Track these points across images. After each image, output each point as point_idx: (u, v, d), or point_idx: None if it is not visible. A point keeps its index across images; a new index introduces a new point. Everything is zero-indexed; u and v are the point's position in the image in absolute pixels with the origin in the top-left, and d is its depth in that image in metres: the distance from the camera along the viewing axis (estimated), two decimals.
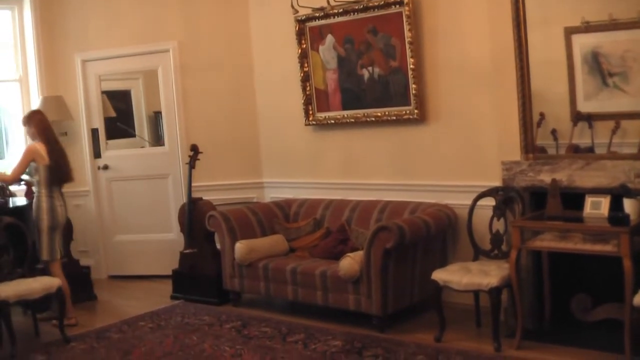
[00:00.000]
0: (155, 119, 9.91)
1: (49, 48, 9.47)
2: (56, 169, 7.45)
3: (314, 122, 8.40)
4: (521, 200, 6.33)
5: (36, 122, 7.54)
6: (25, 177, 7.71)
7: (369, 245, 6.56)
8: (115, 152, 9.65)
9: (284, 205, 8.47)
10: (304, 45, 8.29)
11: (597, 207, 5.80)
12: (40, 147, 7.42)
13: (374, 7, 7.57)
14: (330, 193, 8.33)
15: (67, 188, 8.76)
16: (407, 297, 6.88)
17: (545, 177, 6.15)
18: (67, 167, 7.66)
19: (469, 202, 6.75)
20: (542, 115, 6.35)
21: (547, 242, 5.87)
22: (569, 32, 6.18)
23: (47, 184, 7.42)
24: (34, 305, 7.19)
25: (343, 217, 7.78)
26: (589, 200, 5.86)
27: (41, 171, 7.37)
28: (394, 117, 7.63)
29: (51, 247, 7.46)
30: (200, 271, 8.21)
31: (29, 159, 7.43)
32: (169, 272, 8.57)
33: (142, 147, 10.08)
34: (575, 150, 6.19)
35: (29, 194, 8.03)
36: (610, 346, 5.64)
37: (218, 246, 8.16)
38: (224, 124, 9.14)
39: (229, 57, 9.12)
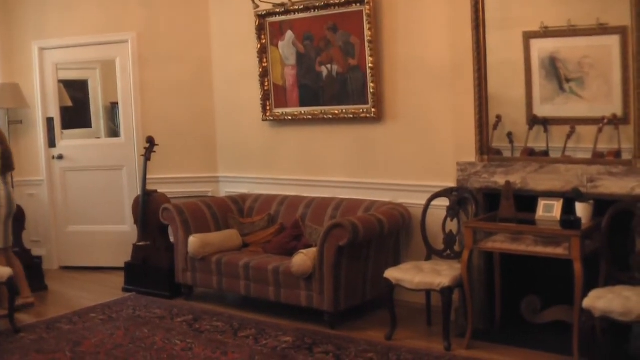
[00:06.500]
0: (112, 109, 9.84)
1: (6, 35, 9.36)
2: (6, 156, 7.46)
3: (271, 118, 8.38)
4: (475, 202, 6.37)
5: None
6: None
7: (323, 242, 6.57)
8: (71, 141, 9.55)
9: (238, 200, 8.45)
10: (264, 41, 8.27)
11: (549, 210, 5.85)
12: None
13: (334, 5, 7.56)
14: (285, 189, 8.31)
15: (20, 177, 8.68)
16: (359, 294, 6.89)
17: (499, 179, 6.20)
18: (11, 154, 7.70)
19: (423, 201, 6.78)
20: (498, 117, 6.41)
21: (499, 243, 5.92)
22: (528, 36, 6.23)
23: (0, 172, 7.39)
24: None
25: (297, 214, 7.77)
26: (541, 203, 5.92)
27: None
28: (351, 115, 7.64)
29: (6, 234, 7.44)
30: (153, 264, 8.17)
31: None
32: (122, 264, 8.52)
33: (98, 137, 10.01)
34: (530, 153, 6.24)
35: None
36: (559, 348, 5.71)
37: (171, 239, 8.13)
38: (181, 116, 9.08)
39: (188, 50, 9.07)
